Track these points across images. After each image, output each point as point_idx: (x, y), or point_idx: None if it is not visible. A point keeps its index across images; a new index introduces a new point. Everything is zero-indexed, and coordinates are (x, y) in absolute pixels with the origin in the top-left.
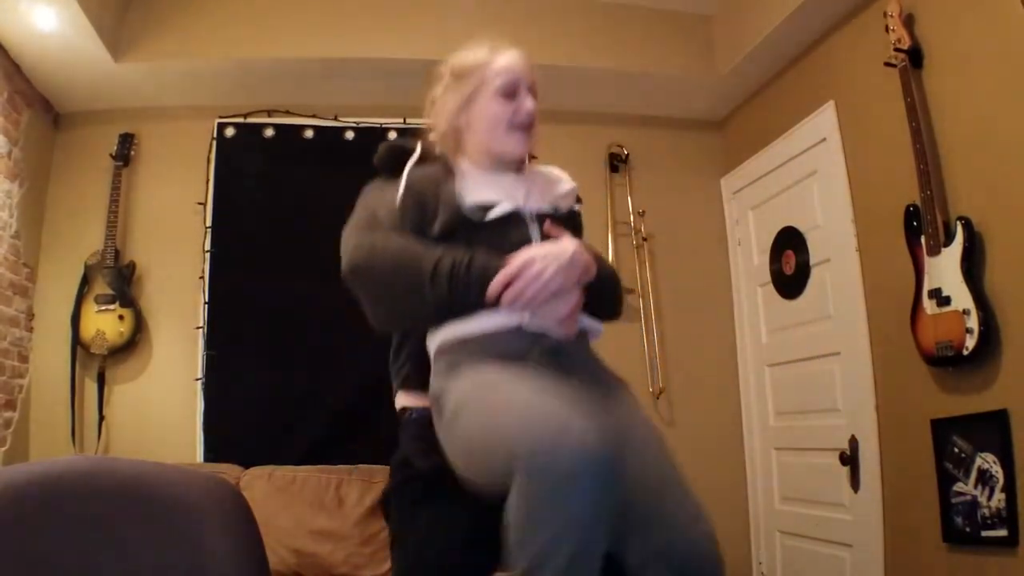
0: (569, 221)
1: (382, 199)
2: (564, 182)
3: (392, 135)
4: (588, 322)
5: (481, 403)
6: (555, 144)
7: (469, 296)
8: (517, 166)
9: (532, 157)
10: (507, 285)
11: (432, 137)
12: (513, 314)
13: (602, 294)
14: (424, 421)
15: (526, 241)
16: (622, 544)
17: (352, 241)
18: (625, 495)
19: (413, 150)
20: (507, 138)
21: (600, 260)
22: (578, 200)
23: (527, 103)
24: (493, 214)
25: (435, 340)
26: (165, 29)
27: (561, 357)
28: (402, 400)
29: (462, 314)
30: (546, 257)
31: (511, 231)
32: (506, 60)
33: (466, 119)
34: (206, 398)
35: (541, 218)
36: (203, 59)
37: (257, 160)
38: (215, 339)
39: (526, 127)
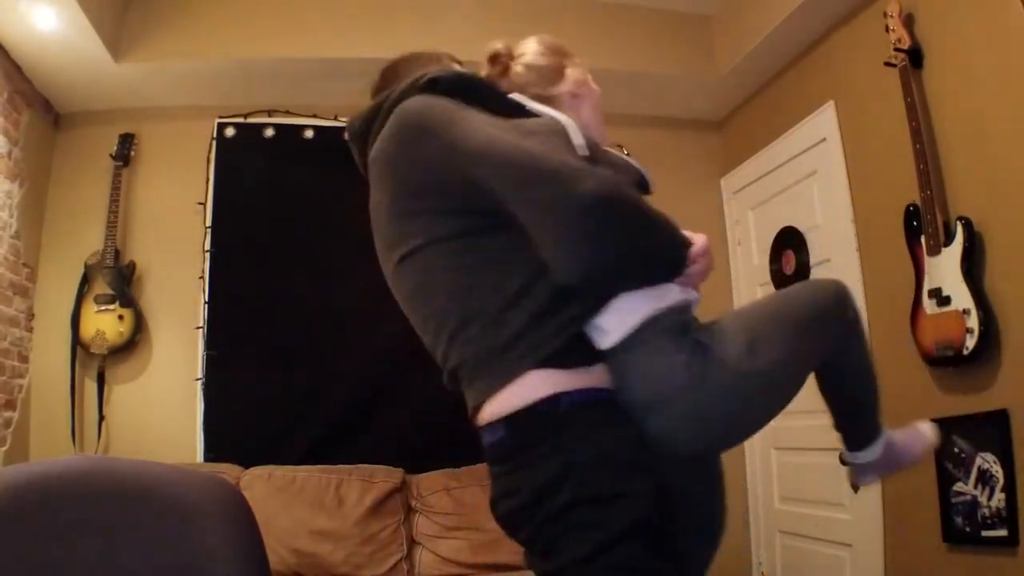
0: None
1: (554, 132)
2: None
3: None
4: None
5: (779, 322)
6: None
7: (679, 254)
8: None
9: None
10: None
11: (531, 88)
12: (690, 290)
13: None
14: (604, 407)
15: None
16: None
17: (575, 160)
18: None
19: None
20: (601, 125)
21: None
22: None
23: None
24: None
25: (640, 308)
26: (165, 29)
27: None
28: (549, 381)
29: (651, 276)
30: (697, 236)
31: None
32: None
33: (580, 93)
34: (206, 398)
35: None
36: (203, 59)
37: (257, 160)
38: (215, 339)
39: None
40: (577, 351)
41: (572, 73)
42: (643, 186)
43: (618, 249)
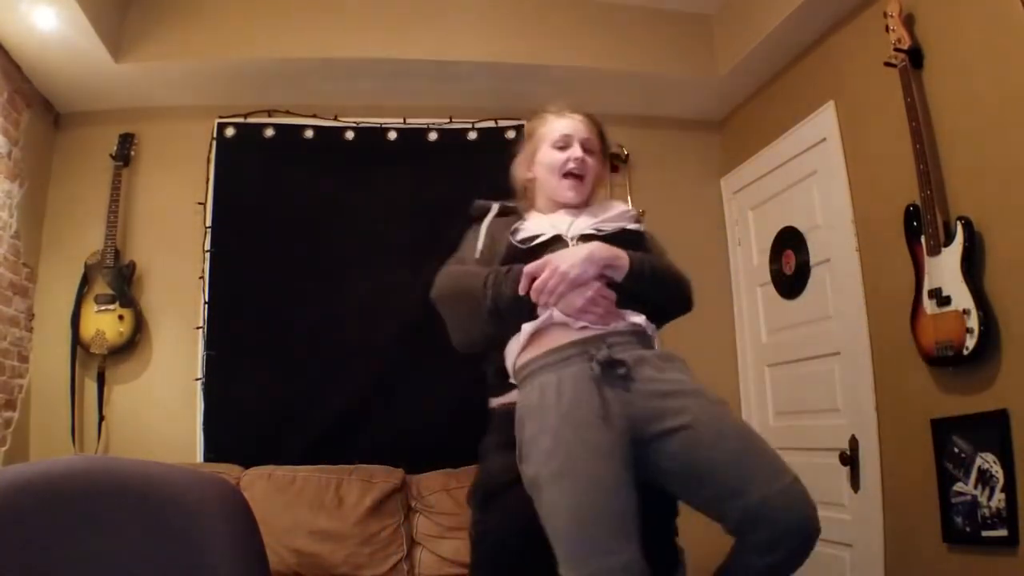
0: (618, 238)
1: (470, 243)
2: (616, 207)
3: (392, 135)
4: (637, 319)
5: (547, 491)
6: None
7: (504, 293)
8: (580, 206)
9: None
10: (534, 281)
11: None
12: (544, 311)
13: (644, 291)
14: (504, 416)
15: None
16: (722, 517)
17: (442, 271)
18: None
19: (492, 207)
20: (560, 184)
21: (645, 261)
22: (637, 220)
23: (576, 151)
24: (535, 241)
25: (508, 361)
26: (165, 29)
27: (616, 366)
28: (492, 402)
29: (508, 322)
30: (564, 255)
31: (550, 250)
32: (563, 119)
33: (532, 171)
34: (206, 398)
35: (585, 238)
36: (203, 59)
37: (257, 160)
38: (215, 339)
39: (576, 175)
40: (502, 384)
41: (522, 171)
42: (515, 256)
43: (452, 320)
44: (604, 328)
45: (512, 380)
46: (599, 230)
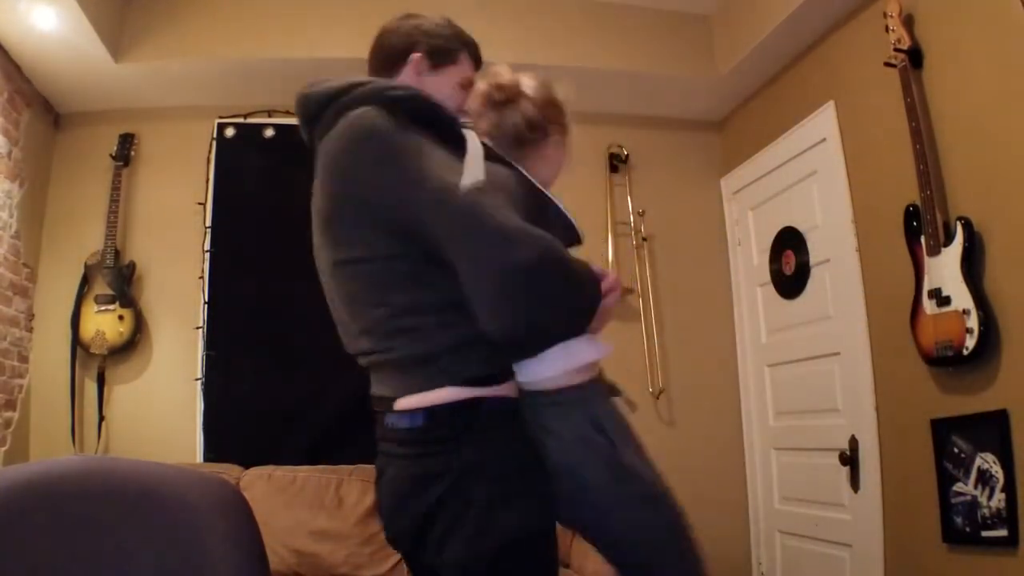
0: None
1: (503, 180)
2: None
3: None
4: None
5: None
6: None
7: (598, 299)
8: None
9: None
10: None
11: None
12: (598, 343)
13: None
14: (515, 413)
15: None
16: None
17: (515, 222)
18: None
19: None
20: (564, 165)
21: None
22: None
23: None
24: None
25: (563, 367)
26: (165, 29)
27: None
28: (467, 391)
29: (573, 332)
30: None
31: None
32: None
33: (552, 158)
34: (206, 398)
35: None
36: (203, 59)
37: (257, 160)
38: (215, 339)
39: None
40: (496, 375)
41: (552, 139)
42: (573, 238)
43: (540, 316)
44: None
45: (537, 388)
46: None
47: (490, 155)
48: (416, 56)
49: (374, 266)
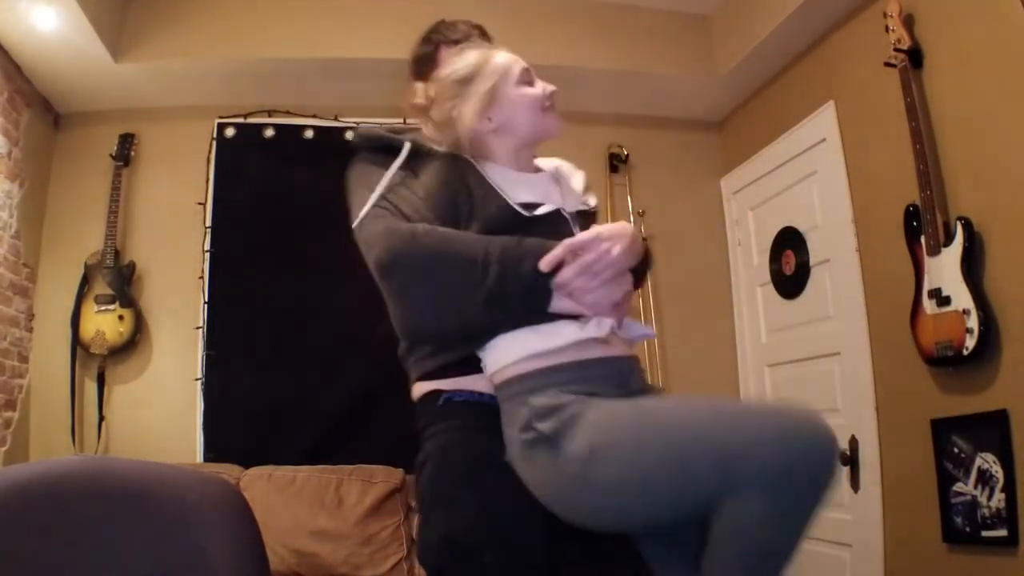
0: (593, 216)
1: (401, 189)
2: (577, 176)
3: None
4: (644, 329)
5: (645, 431)
6: (555, 144)
7: (521, 272)
8: (535, 166)
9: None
10: (559, 266)
11: (443, 144)
12: (589, 324)
13: (640, 280)
14: (480, 408)
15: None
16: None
17: (382, 226)
18: None
19: (400, 142)
20: (545, 119)
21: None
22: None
23: (547, 85)
24: (540, 211)
25: (505, 360)
26: (165, 29)
27: (629, 381)
28: (430, 386)
29: (508, 312)
30: (613, 233)
31: (559, 229)
32: (507, 54)
33: (494, 117)
34: (206, 398)
35: (575, 217)
36: (203, 59)
37: (257, 160)
38: (215, 339)
39: (553, 107)
40: (455, 367)
41: (475, 119)
42: (508, 215)
43: (421, 295)
44: (629, 345)
45: (495, 389)
46: (587, 205)
47: (422, 153)
48: (415, 85)
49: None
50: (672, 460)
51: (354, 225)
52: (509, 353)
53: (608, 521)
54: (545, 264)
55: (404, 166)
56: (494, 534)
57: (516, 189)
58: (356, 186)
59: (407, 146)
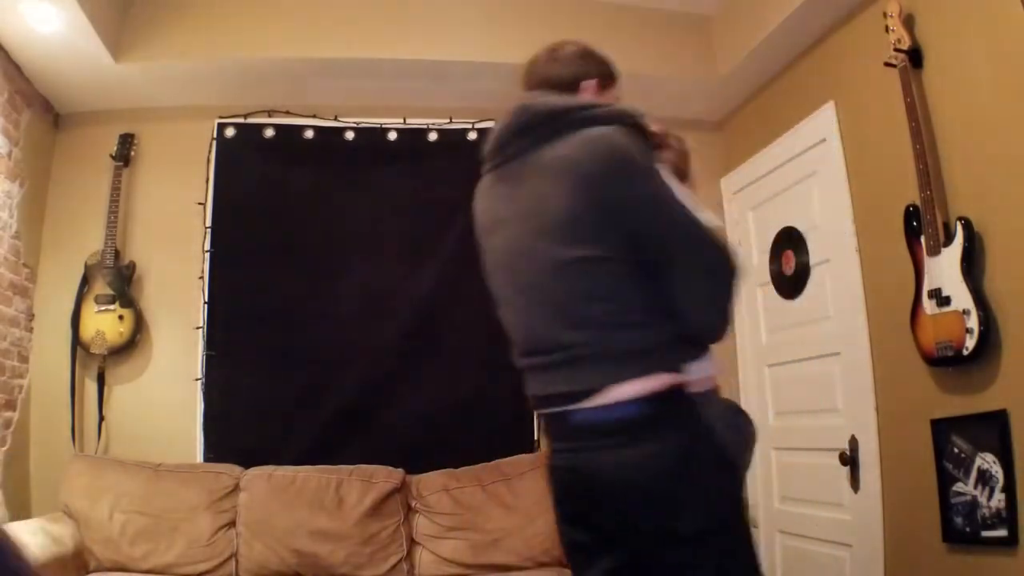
0: None
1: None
2: None
3: (392, 135)
4: None
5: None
6: None
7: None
8: None
9: None
10: None
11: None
12: None
13: None
14: (695, 402)
15: None
16: None
17: (729, 241)
18: None
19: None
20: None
21: None
22: None
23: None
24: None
25: (714, 370)
26: (165, 29)
27: None
28: (670, 378)
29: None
30: None
31: None
32: None
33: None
34: (206, 398)
35: None
36: (203, 59)
37: (257, 160)
38: (215, 339)
39: None
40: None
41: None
42: None
43: (731, 313)
44: None
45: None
46: None
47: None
48: (588, 83)
49: (606, 266)
50: None
51: (712, 223)
52: (713, 367)
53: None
54: None
55: None
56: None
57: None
58: (657, 172)
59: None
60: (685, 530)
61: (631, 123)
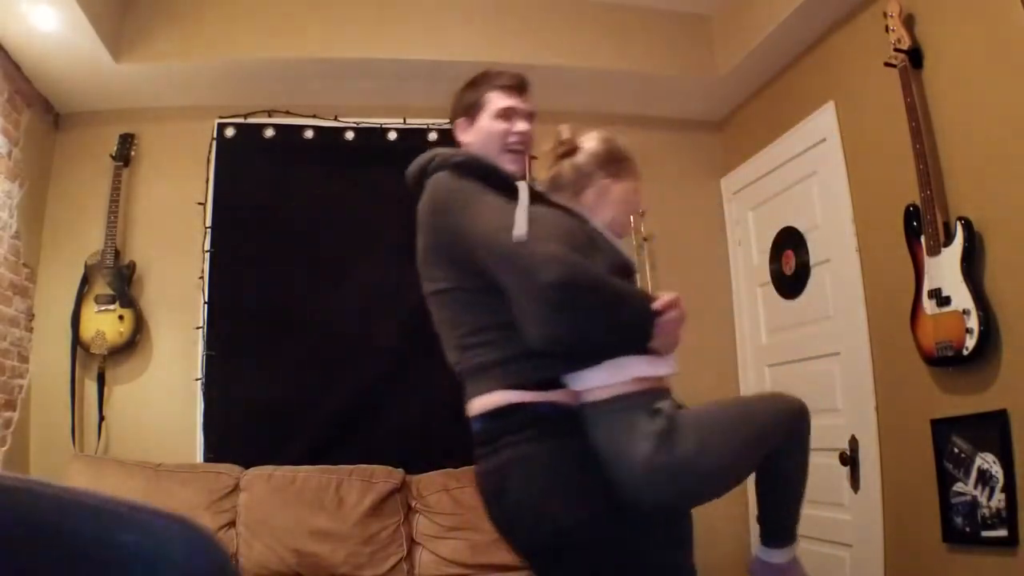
0: None
1: (547, 217)
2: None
3: (392, 135)
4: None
5: (726, 427)
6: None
7: (647, 313)
8: None
9: (533, 157)
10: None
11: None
12: (668, 361)
13: None
14: (557, 420)
15: None
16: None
17: (551, 250)
18: None
19: (512, 179)
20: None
21: None
22: None
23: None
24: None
25: (613, 380)
26: (165, 29)
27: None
28: (514, 395)
29: (632, 341)
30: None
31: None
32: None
33: (611, 203)
34: (206, 398)
35: None
36: (203, 59)
37: (257, 160)
38: (215, 339)
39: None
40: (543, 384)
41: (614, 189)
42: (626, 270)
43: (576, 325)
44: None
45: (586, 399)
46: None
47: (540, 199)
48: (459, 122)
49: (452, 296)
50: (752, 441)
51: (516, 236)
52: (619, 374)
53: (697, 499)
54: (659, 305)
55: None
56: (608, 517)
57: (618, 243)
58: (474, 202)
59: (526, 187)
60: (519, 546)
61: (451, 165)
